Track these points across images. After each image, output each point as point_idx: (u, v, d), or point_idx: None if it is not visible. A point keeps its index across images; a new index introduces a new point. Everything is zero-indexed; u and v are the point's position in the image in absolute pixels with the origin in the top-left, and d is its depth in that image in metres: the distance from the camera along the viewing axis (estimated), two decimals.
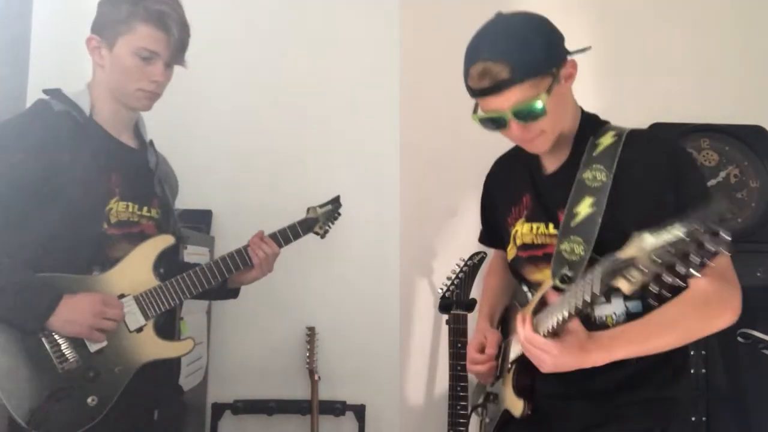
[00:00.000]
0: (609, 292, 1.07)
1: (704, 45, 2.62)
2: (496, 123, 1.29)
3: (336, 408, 2.42)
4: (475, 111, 1.33)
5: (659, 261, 0.90)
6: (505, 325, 1.57)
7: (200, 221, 2.40)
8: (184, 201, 2.43)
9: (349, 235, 2.53)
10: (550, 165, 1.40)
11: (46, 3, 2.49)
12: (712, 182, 2.44)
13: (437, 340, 2.35)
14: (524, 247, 1.40)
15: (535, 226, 1.38)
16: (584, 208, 1.26)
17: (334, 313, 2.51)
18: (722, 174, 2.45)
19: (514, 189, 1.46)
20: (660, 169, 1.25)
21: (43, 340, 1.42)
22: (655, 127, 2.48)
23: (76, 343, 1.44)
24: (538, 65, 1.22)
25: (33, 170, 1.43)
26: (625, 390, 1.27)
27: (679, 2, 2.64)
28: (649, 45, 2.59)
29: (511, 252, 1.45)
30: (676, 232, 0.88)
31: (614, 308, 1.27)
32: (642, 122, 2.51)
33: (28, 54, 2.44)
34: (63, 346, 1.43)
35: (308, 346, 2.42)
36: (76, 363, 1.43)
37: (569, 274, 1.24)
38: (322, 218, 1.85)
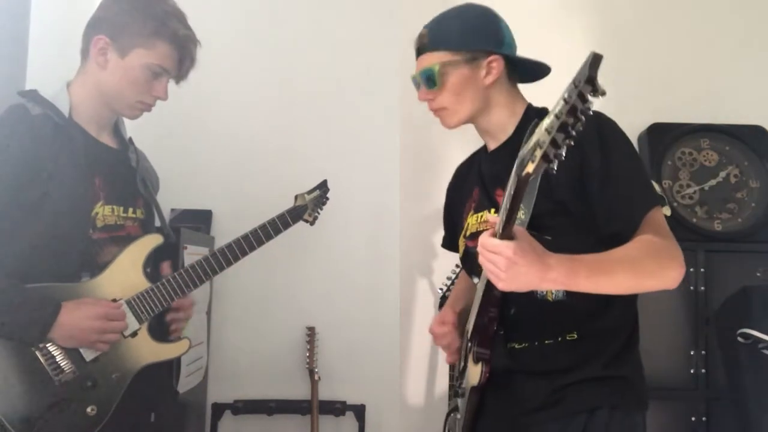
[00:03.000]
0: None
1: (704, 45, 2.62)
2: (414, 83, 1.47)
3: (336, 408, 2.42)
4: None
5: (553, 128, 0.91)
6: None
7: (200, 221, 2.40)
8: (184, 201, 2.44)
9: (350, 235, 2.53)
10: (490, 149, 1.49)
11: (46, 3, 2.48)
12: (712, 182, 2.45)
13: None
14: (471, 236, 1.45)
15: (480, 215, 1.44)
16: None
17: (334, 312, 2.50)
18: (722, 174, 2.45)
19: (467, 185, 1.54)
20: (586, 135, 1.24)
21: (37, 353, 1.39)
22: (655, 127, 2.48)
23: (71, 353, 1.42)
24: (448, 40, 1.40)
25: (15, 178, 1.40)
26: (574, 369, 1.28)
27: (679, 2, 2.65)
28: (649, 45, 2.59)
29: (461, 246, 1.50)
30: (558, 102, 0.90)
31: None
32: (642, 122, 2.52)
33: (26, 54, 2.44)
34: (58, 358, 1.40)
35: (308, 346, 2.42)
36: (73, 374, 1.41)
37: None
38: (311, 205, 1.84)
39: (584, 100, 0.86)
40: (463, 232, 1.50)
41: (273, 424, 2.44)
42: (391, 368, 2.49)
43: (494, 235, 1.13)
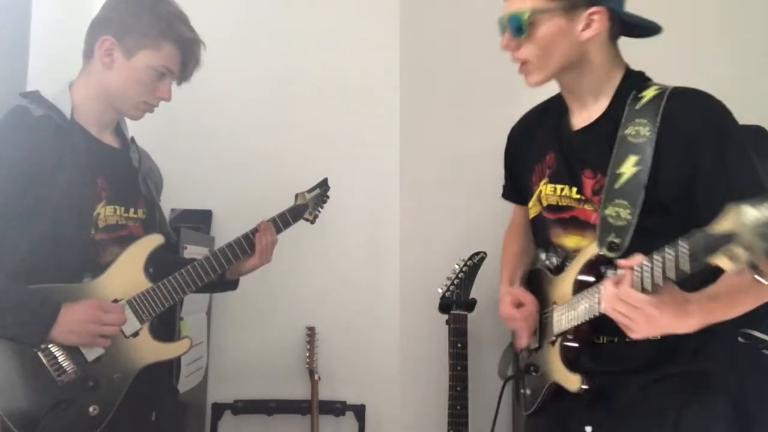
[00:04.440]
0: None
1: (704, 45, 2.62)
2: (499, 26, 1.30)
3: (336, 408, 2.42)
4: None
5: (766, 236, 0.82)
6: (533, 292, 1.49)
7: (200, 221, 2.40)
8: (184, 201, 2.44)
9: (350, 235, 2.53)
10: (580, 120, 1.34)
11: (46, 3, 2.48)
12: None
13: (437, 340, 2.35)
14: (550, 208, 1.35)
15: (559, 187, 1.33)
16: (628, 167, 1.20)
17: (334, 312, 2.50)
18: None
19: (539, 145, 1.41)
20: (702, 129, 1.18)
21: (39, 354, 1.39)
22: None
23: (73, 353, 1.42)
24: None
25: (17, 179, 1.41)
26: (660, 365, 1.24)
27: (679, 2, 2.64)
28: (649, 45, 2.58)
29: (534, 209, 1.41)
30: None
31: None
32: None
33: (27, 54, 2.44)
34: (60, 358, 1.41)
35: (308, 346, 2.42)
36: (75, 374, 1.42)
37: (616, 241, 1.19)
38: (312, 203, 1.85)
39: None
40: (536, 197, 1.39)
41: (273, 424, 2.44)
42: (391, 368, 2.49)
43: (632, 284, 1.06)
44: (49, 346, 1.40)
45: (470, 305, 2.22)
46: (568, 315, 1.29)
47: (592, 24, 1.23)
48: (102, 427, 1.43)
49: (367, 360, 2.50)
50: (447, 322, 2.23)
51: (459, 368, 2.16)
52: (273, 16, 2.61)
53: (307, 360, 2.40)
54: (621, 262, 1.12)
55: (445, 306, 2.22)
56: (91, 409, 1.42)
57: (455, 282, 2.21)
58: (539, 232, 1.43)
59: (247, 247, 1.68)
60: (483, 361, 2.39)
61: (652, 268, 1.04)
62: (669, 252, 1.00)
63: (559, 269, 1.37)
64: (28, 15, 2.46)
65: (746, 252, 0.84)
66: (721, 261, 0.88)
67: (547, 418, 1.41)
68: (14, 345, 1.38)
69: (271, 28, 2.59)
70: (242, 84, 2.55)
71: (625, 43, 1.37)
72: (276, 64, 2.57)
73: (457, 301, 2.20)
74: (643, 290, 1.06)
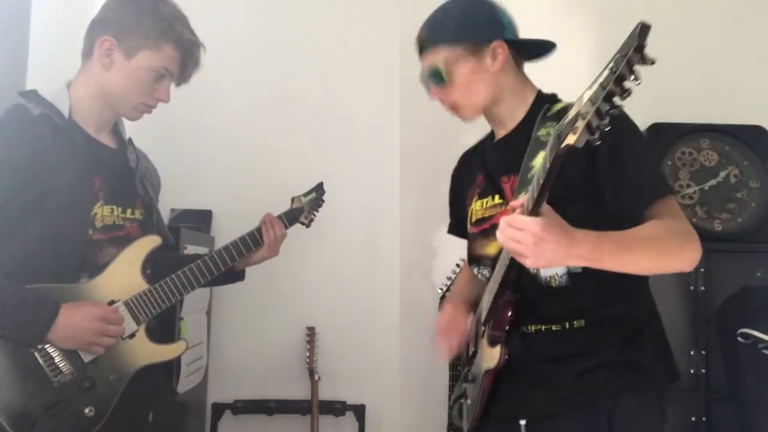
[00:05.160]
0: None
1: (704, 45, 2.62)
2: (423, 84, 1.45)
3: (336, 408, 2.42)
4: None
5: (598, 98, 0.89)
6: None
7: (200, 221, 2.40)
8: (184, 201, 2.44)
9: (350, 235, 2.53)
10: (498, 137, 1.47)
11: (46, 3, 2.48)
12: (712, 182, 2.45)
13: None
14: (476, 222, 1.45)
15: (485, 201, 1.43)
16: (539, 160, 1.26)
17: (334, 312, 2.51)
18: (722, 174, 2.45)
19: (472, 172, 1.53)
20: None
21: (36, 354, 1.38)
22: (655, 127, 2.48)
23: (70, 354, 1.41)
24: (445, 32, 1.38)
25: (14, 179, 1.40)
26: (587, 355, 1.27)
27: (679, 2, 2.64)
28: (649, 45, 2.58)
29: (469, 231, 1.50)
30: (602, 73, 0.89)
31: (556, 269, 1.28)
32: (642, 122, 2.49)
33: (27, 54, 2.44)
34: (56, 359, 1.40)
35: (308, 346, 2.42)
36: (71, 375, 1.41)
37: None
38: (307, 207, 1.85)
39: (631, 70, 0.86)
40: (468, 218, 1.49)
41: (273, 424, 2.44)
42: (391, 368, 2.49)
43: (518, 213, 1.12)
44: (46, 346, 1.40)
45: None
46: (488, 296, 1.35)
47: (498, 56, 1.38)
48: (98, 428, 1.42)
49: (367, 360, 2.50)
50: None
51: (459, 368, 2.16)
52: (273, 16, 2.61)
53: (307, 360, 2.40)
54: (512, 203, 1.18)
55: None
56: (87, 410, 1.41)
57: (455, 280, 2.21)
58: (470, 252, 1.51)
59: (243, 249, 1.68)
60: None
61: (530, 191, 1.11)
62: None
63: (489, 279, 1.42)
64: (28, 15, 2.46)
65: (582, 120, 0.92)
66: (569, 139, 0.95)
67: (488, 427, 1.42)
68: (11, 345, 1.37)
69: (271, 28, 2.59)
70: (242, 84, 2.55)
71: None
72: (276, 64, 2.57)
73: None
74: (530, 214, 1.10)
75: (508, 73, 1.41)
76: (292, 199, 1.84)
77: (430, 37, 1.40)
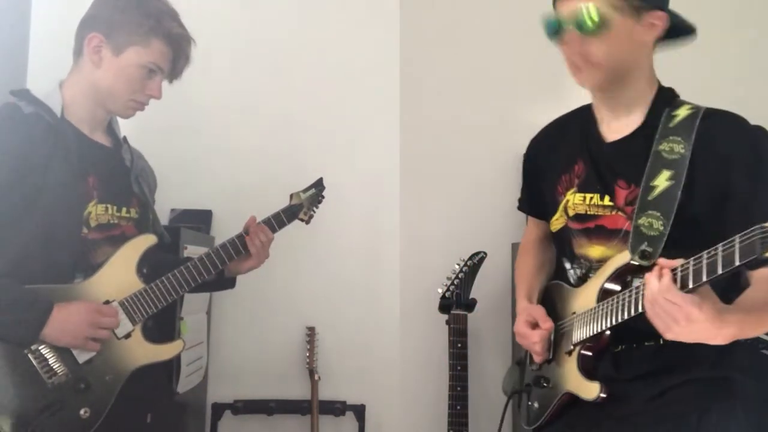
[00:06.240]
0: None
1: (704, 45, 2.60)
2: (550, 27, 1.27)
3: (336, 408, 2.42)
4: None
5: None
6: (546, 308, 1.47)
7: (200, 221, 2.40)
8: (184, 201, 2.44)
9: (349, 234, 2.53)
10: (613, 133, 1.34)
11: (46, 3, 2.48)
12: None
13: (437, 340, 2.35)
14: (577, 217, 1.35)
15: (588, 196, 1.32)
16: (662, 181, 1.21)
17: (334, 312, 2.50)
18: None
19: (566, 155, 1.40)
20: (738, 151, 1.19)
21: (29, 356, 1.37)
22: None
23: (64, 355, 1.40)
24: None
25: (7, 177, 1.39)
26: (679, 370, 1.22)
27: (679, 2, 2.64)
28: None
29: (559, 222, 1.40)
30: None
31: None
32: None
33: (26, 54, 2.44)
34: (50, 360, 1.38)
35: (308, 346, 2.42)
36: (66, 376, 1.39)
37: (649, 249, 1.19)
38: (307, 203, 1.82)
39: None
40: (562, 208, 1.38)
41: (273, 424, 2.44)
42: (391, 368, 2.49)
43: (671, 280, 1.05)
44: (39, 347, 1.38)
45: (470, 305, 2.22)
46: (591, 322, 1.28)
47: (654, 29, 1.23)
48: (94, 429, 1.41)
49: (367, 360, 2.50)
50: (447, 322, 2.23)
51: (459, 368, 2.16)
52: (273, 15, 2.61)
53: (307, 360, 2.40)
54: (662, 261, 1.10)
55: (445, 306, 2.22)
56: (82, 411, 1.40)
57: (455, 282, 2.21)
58: (563, 244, 1.41)
59: (241, 247, 1.66)
60: (483, 361, 2.39)
61: (696, 265, 1.03)
62: (717, 249, 0.99)
63: (581, 280, 1.36)
64: (28, 15, 2.46)
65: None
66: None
67: (554, 430, 1.39)
68: (4, 346, 1.36)
69: (270, 27, 2.59)
70: (242, 84, 2.55)
71: None
72: (276, 64, 2.57)
73: (457, 301, 2.20)
74: (683, 288, 1.04)
75: (648, 51, 1.28)
76: (291, 196, 1.82)
77: None
